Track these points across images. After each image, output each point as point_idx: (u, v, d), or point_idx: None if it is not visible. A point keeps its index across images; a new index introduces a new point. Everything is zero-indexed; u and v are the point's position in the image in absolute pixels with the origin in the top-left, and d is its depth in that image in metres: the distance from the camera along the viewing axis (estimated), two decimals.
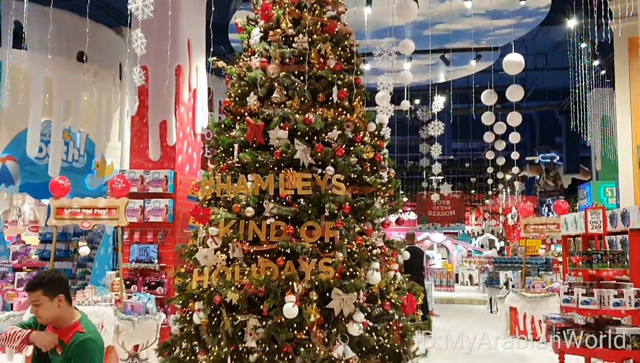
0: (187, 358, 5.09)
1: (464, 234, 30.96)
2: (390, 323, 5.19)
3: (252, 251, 5.10)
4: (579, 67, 13.78)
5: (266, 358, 4.72)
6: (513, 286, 11.97)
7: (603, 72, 16.21)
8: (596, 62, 15.39)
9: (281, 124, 5.26)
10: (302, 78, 5.48)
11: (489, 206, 29.54)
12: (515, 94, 12.18)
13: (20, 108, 9.57)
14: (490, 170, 21.19)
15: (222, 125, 5.71)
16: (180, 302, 5.33)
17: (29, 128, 8.68)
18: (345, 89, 5.53)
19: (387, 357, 5.02)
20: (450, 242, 27.60)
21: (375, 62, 9.66)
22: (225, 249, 5.23)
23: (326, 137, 5.26)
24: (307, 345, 4.71)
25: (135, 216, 8.72)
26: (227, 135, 5.59)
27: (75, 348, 2.85)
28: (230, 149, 5.55)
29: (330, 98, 5.47)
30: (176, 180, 9.04)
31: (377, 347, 4.90)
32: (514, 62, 10.78)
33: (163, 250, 8.91)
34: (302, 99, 5.41)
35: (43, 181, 9.46)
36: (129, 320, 6.87)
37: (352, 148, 5.35)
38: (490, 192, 28.28)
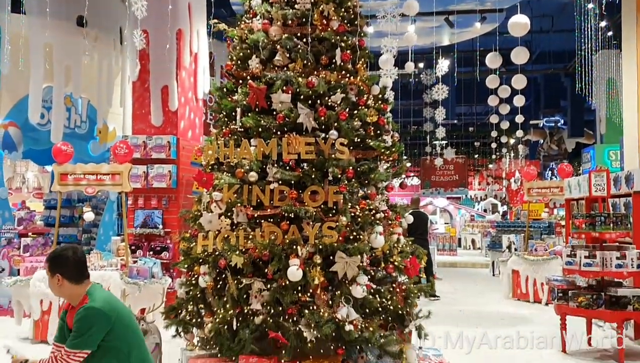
0: (193, 320, 5.16)
1: (467, 199, 31.03)
2: (394, 285, 5.24)
3: (256, 216, 5.12)
4: (586, 29, 13.56)
5: (271, 320, 4.79)
6: (516, 249, 12.04)
7: (610, 33, 15.95)
8: (603, 23, 15.13)
9: (284, 88, 5.20)
10: (304, 40, 5.39)
11: (492, 171, 29.53)
12: (520, 56, 12.02)
13: (21, 73, 9.50)
14: (494, 134, 21.09)
15: (224, 89, 5.65)
16: (186, 266, 5.37)
17: (30, 94, 8.62)
18: (348, 51, 5.44)
19: (390, 318, 5.07)
20: (453, 207, 27.69)
21: (379, 25, 9.52)
22: (229, 214, 5.24)
23: (329, 100, 5.20)
24: (311, 307, 4.76)
25: (138, 182, 8.74)
26: (229, 99, 5.53)
27: (75, 321, 2.89)
28: (233, 114, 5.50)
29: (334, 60, 5.40)
30: (179, 146, 9.03)
31: (380, 309, 4.95)
32: (519, 23, 10.61)
33: (167, 216, 8.96)
34: (305, 61, 5.34)
35: (46, 147, 9.46)
36: (135, 284, 6.95)
37: (355, 111, 5.30)
38: (493, 156, 28.22)
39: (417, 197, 12.82)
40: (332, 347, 4.93)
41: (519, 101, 15.32)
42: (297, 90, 5.18)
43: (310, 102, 5.18)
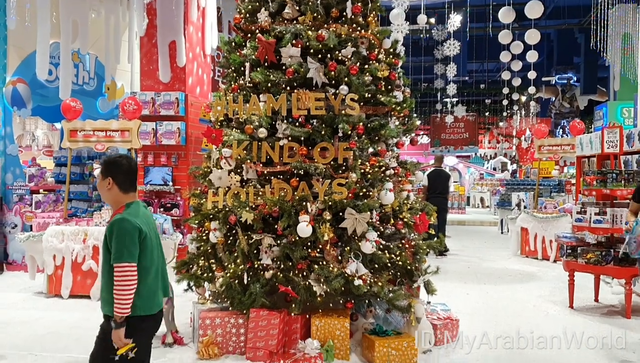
0: (205, 275, 5.23)
1: (476, 157, 30.85)
2: (403, 241, 5.26)
3: (265, 172, 5.12)
4: None
5: (281, 275, 4.84)
6: (525, 207, 12.02)
7: None
8: None
9: (293, 41, 5.12)
10: None
11: (503, 129, 29.22)
12: (534, 10, 11.75)
13: (27, 29, 9.39)
14: (505, 90, 20.81)
15: (233, 44, 5.57)
16: (197, 222, 5.41)
17: (38, 50, 8.53)
18: (359, 4, 5.32)
19: (399, 273, 5.12)
20: (462, 166, 27.57)
21: None
22: (238, 170, 5.25)
23: (340, 54, 5.12)
24: (320, 263, 4.81)
25: (148, 139, 8.74)
26: (238, 53, 5.46)
27: (109, 227, 3.00)
28: (242, 68, 5.44)
29: (344, 13, 5.29)
30: (187, 103, 8.98)
31: (389, 264, 4.99)
32: None
33: (177, 173, 8.99)
34: (315, 14, 5.24)
35: (55, 104, 9.43)
36: None
37: (366, 66, 5.22)
38: (504, 114, 27.91)
39: (440, 155, 12.76)
40: (341, 301, 5.00)
41: (532, 57, 15.06)
42: (307, 43, 5.10)
43: (320, 56, 5.11)
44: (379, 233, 4.98)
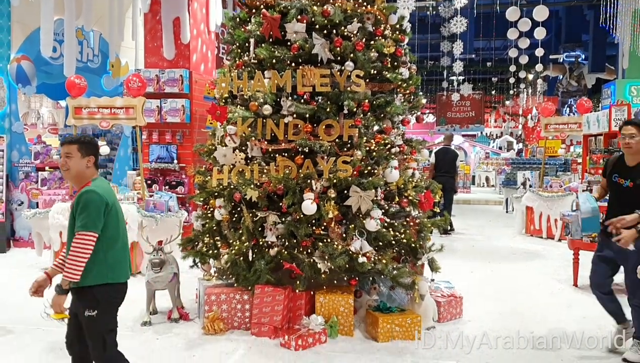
0: (210, 252, 5.26)
1: (482, 136, 30.72)
2: (407, 219, 5.26)
3: (270, 149, 5.10)
4: None
5: (286, 252, 4.86)
6: (530, 186, 11.98)
7: None
8: None
9: (298, 17, 5.06)
10: None
11: (509, 107, 29.02)
12: None
13: (31, 5, 9.33)
14: (512, 68, 20.60)
15: (237, 20, 5.52)
16: (202, 199, 5.43)
17: (42, 26, 8.47)
18: None
19: (403, 251, 5.13)
20: (468, 144, 27.46)
21: None
22: (243, 148, 5.24)
23: (345, 30, 5.06)
24: (325, 240, 4.82)
25: (152, 116, 8.73)
26: (242, 29, 5.41)
27: (77, 197, 3.14)
28: (246, 45, 5.40)
29: None
30: (192, 80, 8.95)
31: (393, 242, 4.99)
32: None
33: (182, 151, 8.99)
34: None
35: (59, 82, 9.40)
36: (152, 217, 7.05)
37: (372, 42, 5.16)
38: (511, 92, 27.68)
39: (449, 134, 12.72)
40: (345, 278, 5.03)
41: (540, 34, 14.86)
42: (312, 19, 5.04)
43: (325, 32, 5.05)
44: (383, 211, 4.98)
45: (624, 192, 4.31)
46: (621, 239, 3.97)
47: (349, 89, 4.95)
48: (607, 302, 4.56)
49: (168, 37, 9.03)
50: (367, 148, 4.97)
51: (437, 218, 5.62)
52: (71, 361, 3.35)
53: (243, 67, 5.36)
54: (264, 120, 5.01)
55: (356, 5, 5.17)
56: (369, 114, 5.06)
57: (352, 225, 4.85)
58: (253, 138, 5.07)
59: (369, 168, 4.94)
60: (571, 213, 7.10)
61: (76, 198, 3.15)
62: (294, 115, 4.98)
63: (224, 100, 5.44)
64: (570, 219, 6.86)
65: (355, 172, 4.82)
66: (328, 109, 4.95)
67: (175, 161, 8.92)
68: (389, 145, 5.11)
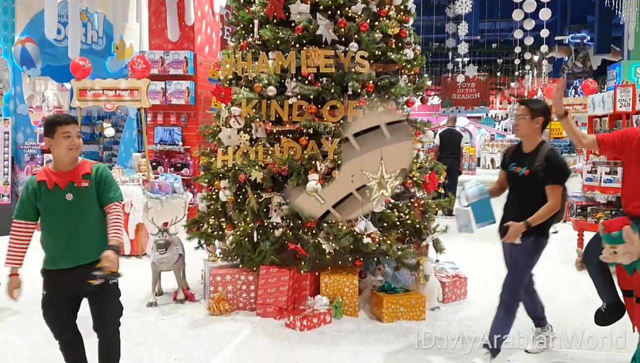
0: (215, 233, 5.29)
1: (487, 118, 30.57)
2: (412, 200, 5.27)
3: (274, 131, 5.11)
4: None
5: (290, 233, 4.89)
6: None
7: None
8: None
9: None
10: None
11: (514, 89, 28.84)
12: None
13: None
14: (517, 50, 20.43)
15: (242, 0, 5.49)
16: (206, 180, 5.45)
17: (46, 8, 8.45)
18: None
19: (407, 232, 5.15)
20: (473, 126, 27.36)
21: None
22: (248, 129, 5.24)
23: (350, 11, 5.04)
24: (330, 221, 4.84)
25: (157, 98, 8.72)
26: (246, 10, 5.39)
27: (103, 170, 3.25)
28: (250, 26, 5.38)
29: None
30: (196, 62, 8.92)
31: (398, 223, 5.02)
32: None
33: (187, 133, 8.99)
34: None
35: (64, 64, 9.39)
36: (157, 198, 7.09)
37: (376, 23, 5.13)
38: (516, 74, 27.50)
39: (454, 116, 12.73)
40: (350, 259, 5.06)
41: (545, 14, 14.73)
42: (317, 0, 5.01)
43: (329, 12, 5.03)
44: None
45: (521, 181, 3.91)
46: (509, 237, 3.86)
47: (353, 70, 4.93)
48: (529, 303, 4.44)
49: (172, 19, 8.98)
50: None
51: (441, 200, 5.63)
52: (98, 343, 3.35)
53: (247, 49, 5.35)
54: (269, 102, 5.01)
55: None
56: (373, 94, 5.05)
57: None
58: (257, 119, 5.07)
59: None
60: (577, 194, 7.10)
61: (97, 172, 3.20)
62: (299, 97, 4.98)
63: (228, 82, 5.44)
64: (576, 201, 6.86)
65: None
66: (332, 90, 4.95)
67: (180, 143, 8.94)
68: None
